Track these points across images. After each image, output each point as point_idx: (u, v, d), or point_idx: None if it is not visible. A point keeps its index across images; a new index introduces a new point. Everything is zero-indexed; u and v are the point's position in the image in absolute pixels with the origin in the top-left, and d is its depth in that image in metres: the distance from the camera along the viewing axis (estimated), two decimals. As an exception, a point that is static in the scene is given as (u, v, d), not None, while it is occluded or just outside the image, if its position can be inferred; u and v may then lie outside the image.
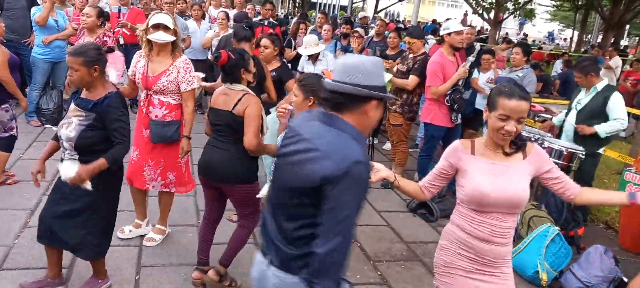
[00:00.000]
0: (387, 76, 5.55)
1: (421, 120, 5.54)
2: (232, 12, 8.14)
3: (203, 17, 7.83)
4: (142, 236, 4.02)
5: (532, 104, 5.46)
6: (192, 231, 4.25)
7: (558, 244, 3.96)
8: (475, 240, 2.31)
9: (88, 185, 2.78)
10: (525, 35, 34.41)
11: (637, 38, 40.77)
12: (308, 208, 1.74)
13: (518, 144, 2.28)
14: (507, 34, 29.87)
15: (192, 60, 6.76)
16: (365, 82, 1.75)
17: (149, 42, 3.60)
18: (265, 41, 4.66)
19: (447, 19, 7.15)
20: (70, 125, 2.87)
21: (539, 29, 42.02)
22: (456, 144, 2.39)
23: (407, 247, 4.39)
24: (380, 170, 2.48)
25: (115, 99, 2.89)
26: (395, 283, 3.77)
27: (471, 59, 5.32)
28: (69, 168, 2.74)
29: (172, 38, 3.58)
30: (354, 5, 37.22)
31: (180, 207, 4.51)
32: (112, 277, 3.40)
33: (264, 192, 2.80)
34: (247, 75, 3.26)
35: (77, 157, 2.86)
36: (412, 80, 5.37)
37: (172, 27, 3.58)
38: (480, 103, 6.21)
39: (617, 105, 4.52)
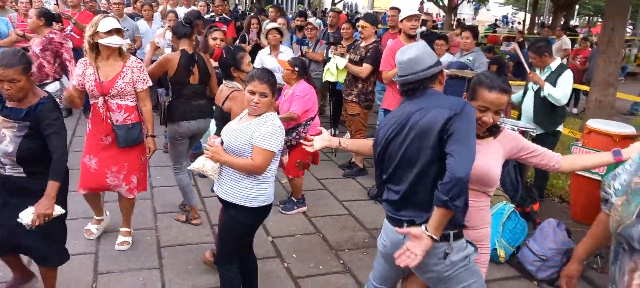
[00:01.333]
0: (342, 61, 5.54)
1: (382, 107, 5.58)
2: (182, 10, 8.00)
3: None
4: (100, 239, 3.93)
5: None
6: (149, 234, 4.17)
7: (514, 221, 4.06)
8: None
9: (58, 211, 2.68)
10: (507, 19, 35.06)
11: (586, 18, 42.18)
12: (435, 162, 2.04)
13: (491, 130, 2.32)
14: (463, 19, 30.40)
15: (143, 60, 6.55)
16: (429, 64, 2.17)
17: (95, 47, 3.50)
18: (216, 34, 4.60)
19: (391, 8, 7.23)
20: (4, 140, 2.69)
21: (493, 13, 42.94)
22: None
23: (369, 234, 4.43)
24: (323, 138, 2.68)
25: (49, 103, 2.74)
26: (358, 271, 3.79)
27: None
28: (26, 217, 2.57)
29: (123, 41, 3.54)
30: (312, -2, 37.20)
31: (137, 211, 4.40)
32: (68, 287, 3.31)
33: (196, 164, 2.77)
34: (240, 74, 3.33)
35: (21, 170, 2.73)
36: (366, 68, 5.39)
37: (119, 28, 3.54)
38: None
39: (565, 81, 4.65)
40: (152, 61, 4.98)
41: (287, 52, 5.97)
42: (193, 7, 8.29)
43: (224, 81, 3.40)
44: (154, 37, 6.73)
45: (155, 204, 4.76)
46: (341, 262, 3.94)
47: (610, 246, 3.66)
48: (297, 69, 4.50)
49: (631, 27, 30.38)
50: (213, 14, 7.90)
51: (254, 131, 2.62)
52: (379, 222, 4.74)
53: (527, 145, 2.38)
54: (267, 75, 2.67)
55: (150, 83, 3.70)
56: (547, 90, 4.64)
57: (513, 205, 4.18)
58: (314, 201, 5.02)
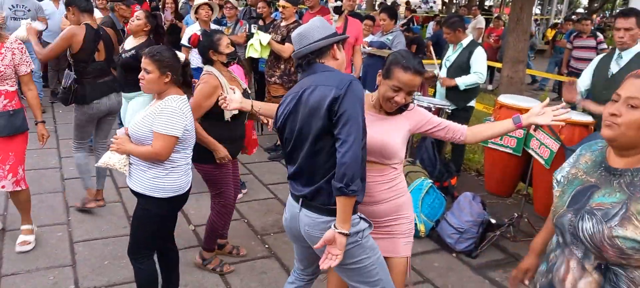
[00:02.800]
0: (266, 37, 5.40)
1: None
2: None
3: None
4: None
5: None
6: (61, 230, 3.91)
7: (432, 196, 4.20)
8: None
9: None
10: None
11: (499, -2, 44.29)
12: (326, 137, 2.01)
13: (401, 109, 2.34)
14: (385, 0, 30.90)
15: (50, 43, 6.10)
16: (317, 37, 2.11)
17: None
18: (139, 13, 4.35)
19: None
20: None
21: (414, -6, 43.99)
22: None
23: (294, 217, 4.41)
24: (235, 100, 2.64)
25: None
26: (283, 254, 3.77)
27: None
28: None
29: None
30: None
31: (46, 205, 4.12)
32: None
33: (102, 159, 2.61)
34: (219, 57, 3.20)
35: None
36: (289, 47, 5.32)
37: None
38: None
39: (478, 60, 4.84)
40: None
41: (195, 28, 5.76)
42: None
43: (204, 67, 3.23)
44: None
45: (68, 197, 4.47)
46: (266, 246, 3.90)
47: (523, 217, 3.83)
48: None
49: (539, 6, 32.30)
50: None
51: (154, 117, 2.49)
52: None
53: (432, 119, 2.43)
54: (152, 51, 2.54)
55: (33, 66, 3.46)
56: (463, 82, 4.81)
57: (431, 181, 4.31)
58: (238, 186, 4.92)
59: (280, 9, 5.45)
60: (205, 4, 5.59)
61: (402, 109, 2.35)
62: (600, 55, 4.04)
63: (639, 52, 3.67)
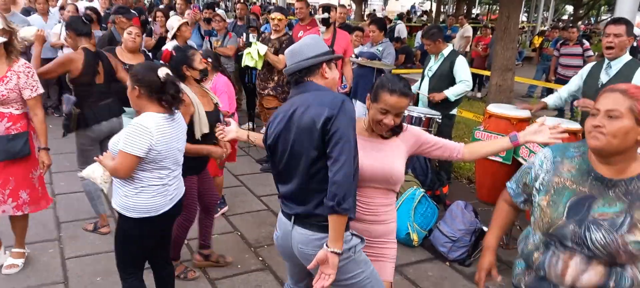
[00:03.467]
0: (263, 48, 5.41)
1: None
2: (83, 3, 7.50)
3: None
4: (-8, 261, 3.58)
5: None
6: (52, 246, 3.88)
7: (425, 205, 4.22)
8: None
9: None
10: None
11: (487, 6, 44.81)
12: (322, 159, 2.03)
13: (395, 130, 2.35)
14: (374, 10, 31.14)
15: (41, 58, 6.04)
16: (307, 55, 2.14)
17: None
18: (137, 31, 4.36)
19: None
20: None
21: (402, 4, 44.41)
22: None
23: (287, 229, 4.40)
24: (232, 130, 2.69)
25: None
26: (277, 267, 3.76)
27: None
28: None
29: (3, 39, 3.16)
30: (223, -11, 36.39)
31: (37, 222, 4.09)
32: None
33: (86, 171, 2.59)
34: (192, 72, 3.20)
35: None
36: (283, 58, 5.36)
37: (2, 26, 3.15)
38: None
39: (461, 68, 4.90)
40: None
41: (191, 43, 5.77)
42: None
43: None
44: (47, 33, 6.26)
45: (59, 213, 4.44)
46: (260, 259, 3.89)
47: (515, 225, 3.87)
48: (210, 60, 4.35)
49: (526, 14, 32.72)
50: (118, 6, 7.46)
51: (122, 133, 2.48)
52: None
53: (428, 139, 2.45)
54: (133, 66, 2.54)
55: (41, 90, 3.34)
56: (452, 94, 4.87)
57: (423, 190, 4.34)
58: (231, 199, 4.92)
59: (274, 21, 5.46)
60: (186, 22, 5.59)
61: (396, 131, 2.37)
62: (591, 64, 4.09)
63: (627, 62, 3.71)
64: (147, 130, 2.40)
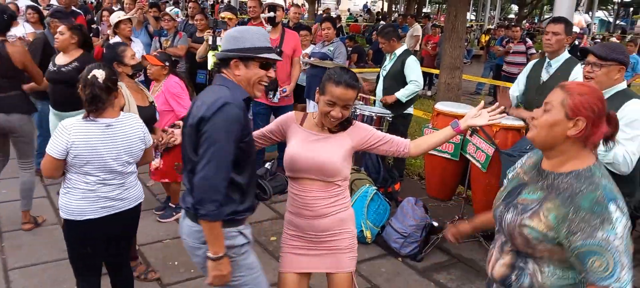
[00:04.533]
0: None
1: None
2: (25, 2, 7.19)
3: None
4: None
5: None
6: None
7: (377, 202, 4.30)
8: (292, 215, 2.41)
9: None
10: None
11: (436, 5, 45.86)
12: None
13: (342, 124, 2.36)
14: (328, 9, 31.28)
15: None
16: (226, 46, 2.12)
17: None
18: (61, 28, 4.23)
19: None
20: None
21: (355, 2, 44.85)
22: (290, 114, 2.49)
23: (241, 230, 4.39)
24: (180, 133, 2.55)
25: None
26: (231, 269, 3.74)
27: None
28: None
29: None
30: (174, -13, 35.64)
31: (-23, 233, 3.91)
32: None
33: None
34: (124, 68, 3.27)
35: None
36: None
37: None
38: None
39: (411, 68, 5.02)
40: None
41: (137, 45, 5.65)
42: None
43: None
44: None
45: (1, 222, 4.25)
46: (214, 261, 3.85)
47: (464, 218, 4.00)
48: (167, 63, 4.28)
49: (474, 13, 33.71)
50: (58, 5, 7.19)
51: None
52: (254, 217, 4.73)
53: (375, 134, 2.46)
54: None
55: None
56: (403, 95, 4.98)
57: (376, 187, 4.42)
58: (183, 201, 4.85)
59: (227, 22, 5.43)
60: (127, 19, 5.49)
61: (344, 125, 2.38)
62: (532, 62, 4.26)
63: (567, 60, 3.88)
64: (65, 132, 2.42)
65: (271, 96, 5.21)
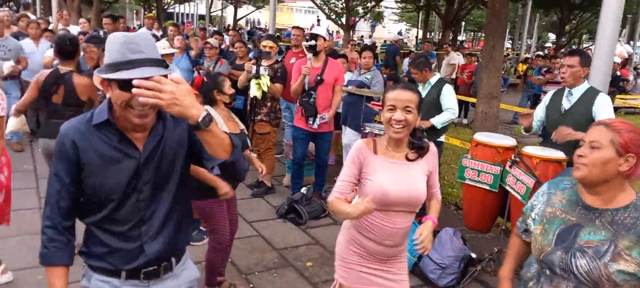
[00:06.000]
0: (268, 79, 5.52)
1: (293, 124, 5.65)
2: (75, 28, 7.55)
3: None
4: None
5: (379, 103, 5.85)
6: (41, 273, 3.82)
7: (414, 231, 4.27)
8: (371, 242, 2.38)
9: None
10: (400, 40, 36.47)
11: (472, 33, 45.68)
12: None
13: (418, 148, 2.34)
14: (362, 37, 31.56)
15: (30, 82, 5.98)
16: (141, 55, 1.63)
17: None
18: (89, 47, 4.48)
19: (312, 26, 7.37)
20: None
21: (389, 30, 45.09)
22: (359, 143, 2.41)
23: (278, 254, 4.43)
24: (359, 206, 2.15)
25: None
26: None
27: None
28: None
29: None
30: (213, 14, 36.77)
31: (27, 247, 4.06)
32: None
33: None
34: (222, 97, 3.37)
35: None
36: (279, 87, 5.54)
37: None
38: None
39: (447, 97, 5.02)
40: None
41: (175, 72, 5.84)
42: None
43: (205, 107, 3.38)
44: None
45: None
46: (251, 285, 3.90)
47: (503, 251, 3.94)
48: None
49: (510, 41, 33.39)
50: (106, 31, 7.53)
51: None
52: (289, 241, 4.80)
53: (434, 172, 2.45)
54: None
55: (1, 114, 3.35)
56: (438, 121, 5.00)
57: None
58: (221, 224, 4.93)
59: (265, 49, 5.59)
60: (170, 54, 5.74)
61: (421, 153, 2.34)
62: (551, 92, 4.26)
63: (587, 90, 3.92)
64: None
65: (311, 122, 5.29)
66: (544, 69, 10.36)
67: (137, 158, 1.76)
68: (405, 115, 2.22)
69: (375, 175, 2.30)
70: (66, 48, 4.08)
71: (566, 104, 3.96)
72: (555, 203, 1.89)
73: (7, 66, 6.05)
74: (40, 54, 6.80)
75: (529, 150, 4.26)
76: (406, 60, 15.36)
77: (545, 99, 4.24)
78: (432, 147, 2.42)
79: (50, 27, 7.94)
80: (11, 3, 29.42)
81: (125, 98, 1.63)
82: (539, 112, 4.20)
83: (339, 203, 2.29)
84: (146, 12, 31.52)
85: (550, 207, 1.90)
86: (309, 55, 5.44)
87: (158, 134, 1.80)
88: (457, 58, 13.16)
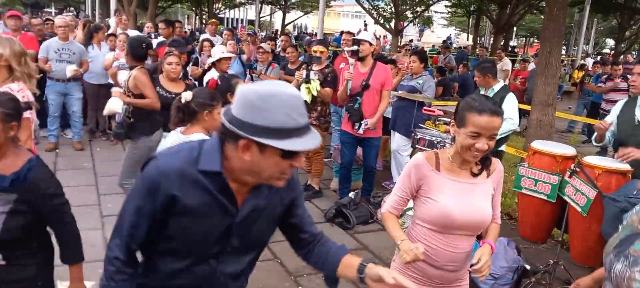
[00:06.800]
0: (317, 84, 5.57)
1: (342, 128, 5.66)
2: (133, 32, 7.84)
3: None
4: None
5: (432, 108, 5.76)
6: (101, 267, 4.00)
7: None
8: (424, 264, 2.19)
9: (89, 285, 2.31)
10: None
11: (524, 38, 44.45)
12: None
13: (482, 163, 2.17)
14: (411, 40, 31.27)
15: (94, 84, 6.43)
16: (238, 113, 1.42)
17: None
18: (171, 58, 4.60)
19: (359, 30, 7.36)
20: None
21: (438, 35, 44.45)
22: (419, 158, 2.20)
23: (327, 258, 4.43)
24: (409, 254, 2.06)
25: (42, 167, 2.10)
26: (316, 295, 3.79)
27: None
28: None
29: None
30: (262, 19, 37.39)
31: (87, 244, 4.22)
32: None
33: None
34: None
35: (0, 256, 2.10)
36: (329, 91, 5.56)
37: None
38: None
39: (510, 106, 4.87)
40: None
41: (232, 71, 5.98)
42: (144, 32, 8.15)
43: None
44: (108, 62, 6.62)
45: (106, 234, 4.59)
46: (300, 287, 3.92)
47: (559, 264, 3.80)
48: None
49: (565, 47, 32.22)
50: (162, 38, 7.77)
51: None
52: (337, 243, 4.78)
53: (500, 191, 2.27)
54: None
55: (27, 114, 3.06)
56: (501, 130, 4.86)
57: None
58: (270, 226, 4.99)
59: (316, 54, 5.62)
60: (228, 57, 5.82)
61: (487, 164, 2.17)
62: (621, 102, 4.06)
63: None
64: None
65: (356, 128, 5.27)
66: (605, 76, 9.93)
67: (233, 216, 1.58)
68: (488, 143, 2.01)
69: (438, 196, 2.13)
70: (141, 50, 4.38)
71: (639, 114, 3.77)
72: None
73: (70, 69, 6.38)
74: (102, 56, 7.11)
75: (590, 160, 4.09)
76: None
77: (615, 109, 4.04)
78: (500, 165, 2.24)
79: (109, 31, 8.28)
80: (71, 8, 30.89)
81: (285, 166, 1.47)
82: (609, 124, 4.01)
83: (392, 225, 2.21)
84: (197, 17, 32.44)
85: (635, 216, 1.87)
86: (351, 60, 5.40)
87: (262, 192, 1.61)
88: (509, 64, 12.84)
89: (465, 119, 2.02)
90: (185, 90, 4.51)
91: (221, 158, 1.51)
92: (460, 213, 2.09)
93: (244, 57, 7.48)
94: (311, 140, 1.43)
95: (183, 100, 3.03)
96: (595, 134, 3.96)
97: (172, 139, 3.05)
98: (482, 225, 2.17)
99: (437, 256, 2.16)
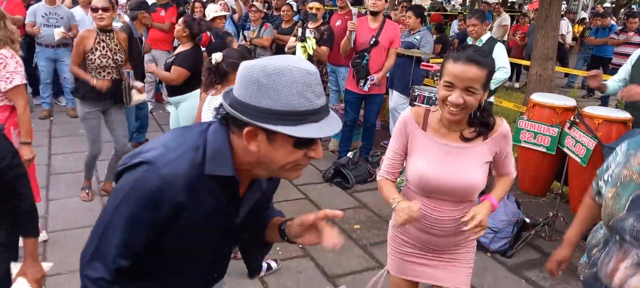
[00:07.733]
0: (313, 42, 5.46)
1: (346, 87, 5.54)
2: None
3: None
4: None
5: (430, 64, 5.66)
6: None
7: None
8: (416, 230, 2.10)
9: (47, 267, 2.16)
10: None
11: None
12: None
13: (480, 125, 1.93)
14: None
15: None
16: (240, 93, 1.19)
17: None
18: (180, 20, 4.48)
19: None
20: None
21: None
22: (407, 115, 2.04)
23: (325, 217, 4.42)
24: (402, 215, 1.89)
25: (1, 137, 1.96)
26: (318, 254, 3.79)
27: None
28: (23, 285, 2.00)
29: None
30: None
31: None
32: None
33: None
34: None
35: None
36: (325, 50, 5.46)
37: None
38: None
39: (500, 55, 4.78)
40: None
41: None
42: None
43: None
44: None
45: (103, 199, 4.57)
46: (300, 246, 3.92)
47: (559, 216, 3.78)
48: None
49: (565, 2, 31.71)
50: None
51: None
52: (336, 204, 4.78)
53: (510, 153, 2.08)
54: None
55: (18, 82, 3.13)
56: (492, 80, 4.78)
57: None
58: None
59: (312, 10, 5.49)
60: (223, 16, 5.68)
61: (482, 130, 1.94)
62: (637, 52, 3.97)
63: None
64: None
65: (362, 85, 5.17)
66: (619, 28, 9.76)
67: (234, 219, 1.39)
68: (465, 97, 1.78)
69: (417, 157, 1.99)
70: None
71: None
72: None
73: (58, 32, 6.18)
74: (90, 21, 6.94)
75: (590, 110, 4.02)
76: (455, 23, 14.88)
77: (631, 59, 3.96)
78: (504, 128, 1.98)
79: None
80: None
81: (299, 156, 1.23)
82: (622, 73, 3.93)
83: (387, 190, 2.05)
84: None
85: (627, 170, 1.72)
86: (355, 19, 5.27)
87: (259, 188, 1.41)
88: (508, 19, 12.63)
89: (443, 68, 1.86)
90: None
91: (232, 157, 1.26)
92: (436, 178, 1.94)
93: (236, 16, 7.31)
94: (329, 126, 1.19)
95: (214, 62, 2.94)
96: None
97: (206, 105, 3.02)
98: (467, 192, 1.96)
99: (424, 218, 2.02)
